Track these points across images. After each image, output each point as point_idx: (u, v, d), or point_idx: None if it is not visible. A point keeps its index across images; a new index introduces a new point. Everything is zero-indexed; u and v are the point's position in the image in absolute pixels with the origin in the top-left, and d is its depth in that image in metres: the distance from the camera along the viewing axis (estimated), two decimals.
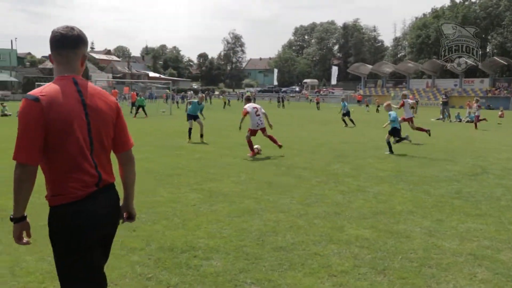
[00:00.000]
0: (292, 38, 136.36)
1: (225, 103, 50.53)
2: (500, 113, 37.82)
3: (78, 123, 2.58)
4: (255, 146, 13.02)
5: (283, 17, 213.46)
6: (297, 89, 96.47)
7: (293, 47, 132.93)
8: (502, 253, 5.30)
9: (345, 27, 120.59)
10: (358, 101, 67.30)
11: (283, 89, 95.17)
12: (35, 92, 2.58)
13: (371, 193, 8.25)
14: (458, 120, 31.58)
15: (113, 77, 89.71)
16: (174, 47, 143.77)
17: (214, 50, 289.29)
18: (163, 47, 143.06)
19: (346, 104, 25.22)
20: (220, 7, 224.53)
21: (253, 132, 13.16)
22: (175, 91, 69.34)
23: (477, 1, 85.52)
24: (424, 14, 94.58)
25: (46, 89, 2.58)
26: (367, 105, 47.90)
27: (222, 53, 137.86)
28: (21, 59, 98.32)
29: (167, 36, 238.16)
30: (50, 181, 2.63)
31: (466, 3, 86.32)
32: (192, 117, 16.57)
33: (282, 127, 23.00)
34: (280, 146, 13.28)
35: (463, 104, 48.84)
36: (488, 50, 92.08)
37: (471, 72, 74.45)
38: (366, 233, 5.94)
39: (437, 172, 10.53)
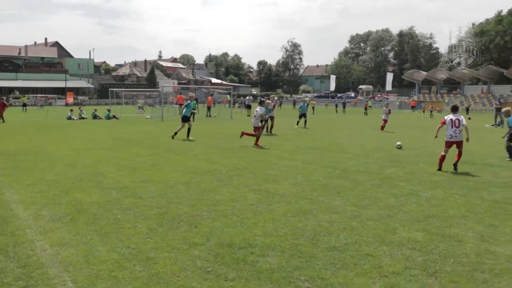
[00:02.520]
0: (348, 45, 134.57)
1: (313, 108, 50.21)
2: None
3: None
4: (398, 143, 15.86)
5: (340, 26, 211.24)
6: (352, 95, 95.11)
7: (349, 55, 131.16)
8: None
9: (401, 34, 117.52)
10: (412, 107, 65.38)
11: (339, 95, 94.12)
12: None
13: (423, 197, 8.01)
14: None
15: (178, 83, 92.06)
16: (236, 55, 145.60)
17: (273, 58, 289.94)
18: (225, 55, 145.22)
19: (305, 106, 27.15)
20: (280, 17, 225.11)
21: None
22: (236, 96, 70.18)
23: None
24: (487, 19, 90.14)
25: None
26: (423, 111, 46.45)
27: (280, 61, 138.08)
28: (97, 67, 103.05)
29: (229, 45, 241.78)
30: None
31: None
32: (187, 118, 17.77)
33: (338, 132, 22.79)
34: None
35: None
36: None
37: None
38: (418, 236, 5.78)
39: (492, 178, 10.08)
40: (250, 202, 7.43)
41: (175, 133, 17.61)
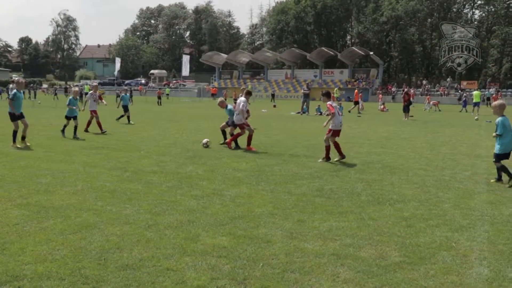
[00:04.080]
0: (137, 22, 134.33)
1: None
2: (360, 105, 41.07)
3: None
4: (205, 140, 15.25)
5: None
6: (143, 81, 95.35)
7: (138, 33, 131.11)
8: (363, 250, 5.79)
9: (197, 11, 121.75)
10: (213, 95, 67.89)
11: (127, 81, 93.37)
12: None
13: (228, 196, 8.45)
14: (319, 113, 33.61)
15: None
16: None
17: (41, 34, 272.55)
18: None
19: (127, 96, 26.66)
20: None
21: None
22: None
23: None
24: None
25: None
26: (225, 99, 49.07)
27: (50, 38, 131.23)
28: None
29: None
30: None
31: None
32: (19, 116, 14.94)
33: (127, 127, 22.62)
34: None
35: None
36: (347, 40, 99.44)
37: (331, 63, 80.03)
38: (224, 241, 6.07)
39: (298, 169, 11.14)
40: (15, 221, 6.88)
41: (23, 137, 14.78)
